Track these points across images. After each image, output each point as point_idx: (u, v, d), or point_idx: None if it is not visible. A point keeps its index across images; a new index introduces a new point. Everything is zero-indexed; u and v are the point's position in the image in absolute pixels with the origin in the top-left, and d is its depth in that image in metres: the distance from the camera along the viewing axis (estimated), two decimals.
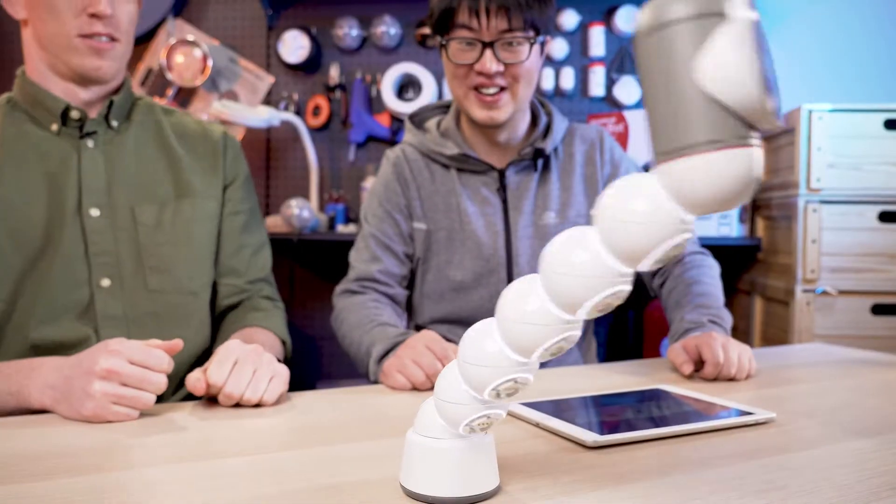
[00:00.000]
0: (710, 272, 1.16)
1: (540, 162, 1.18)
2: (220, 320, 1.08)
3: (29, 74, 0.97)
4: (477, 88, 1.09)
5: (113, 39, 0.95)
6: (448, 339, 1.21)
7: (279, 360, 0.85)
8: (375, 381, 0.98)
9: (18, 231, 0.90)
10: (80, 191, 0.94)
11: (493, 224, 1.17)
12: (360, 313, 1.09)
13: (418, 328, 1.24)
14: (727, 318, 1.06)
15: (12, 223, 0.90)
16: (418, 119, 1.26)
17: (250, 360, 0.80)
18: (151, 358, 0.73)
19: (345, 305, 1.14)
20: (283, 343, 1.04)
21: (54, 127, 0.95)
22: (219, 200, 1.06)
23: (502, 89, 1.09)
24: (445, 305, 1.19)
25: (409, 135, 1.24)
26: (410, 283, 1.22)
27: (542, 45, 1.12)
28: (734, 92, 0.34)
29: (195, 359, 1.02)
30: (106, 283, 0.94)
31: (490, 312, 1.18)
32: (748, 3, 0.35)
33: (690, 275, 1.13)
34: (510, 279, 1.16)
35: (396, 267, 1.18)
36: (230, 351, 0.80)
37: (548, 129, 1.19)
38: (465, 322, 1.17)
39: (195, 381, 0.77)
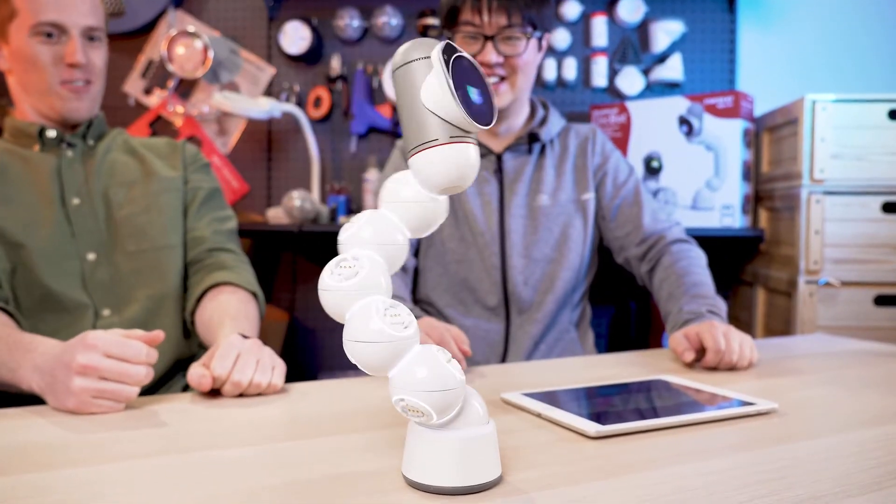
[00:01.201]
0: (699, 262, 1.20)
1: (536, 147, 1.30)
2: (190, 268, 1.15)
3: (15, 115, 1.13)
4: None
5: (88, 82, 1.10)
6: (447, 312, 1.29)
7: (258, 345, 0.87)
8: None
9: (17, 214, 1.03)
10: (62, 186, 1.08)
11: (488, 202, 1.28)
12: None
13: (420, 301, 1.35)
14: (723, 307, 1.09)
15: (11, 209, 1.02)
16: None
17: (253, 352, 0.81)
18: (129, 350, 0.74)
19: None
20: (255, 296, 1.10)
21: (35, 148, 1.10)
22: (182, 178, 1.18)
23: (502, 79, 1.21)
24: (447, 276, 1.30)
25: None
26: (416, 253, 1.33)
27: (540, 40, 1.23)
28: (441, 108, 0.49)
29: (175, 308, 1.10)
30: (91, 256, 1.06)
31: (485, 283, 1.27)
32: (441, 49, 0.50)
33: (681, 266, 1.18)
34: (503, 253, 1.27)
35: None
36: (231, 346, 0.81)
37: (544, 121, 1.32)
38: (464, 292, 1.29)
39: (199, 377, 0.77)
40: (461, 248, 1.28)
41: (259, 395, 0.81)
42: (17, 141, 1.11)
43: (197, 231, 1.16)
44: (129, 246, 1.08)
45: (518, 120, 1.31)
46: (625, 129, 2.04)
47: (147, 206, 1.11)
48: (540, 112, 1.33)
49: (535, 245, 1.28)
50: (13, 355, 0.80)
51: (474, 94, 0.51)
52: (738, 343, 0.94)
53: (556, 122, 1.33)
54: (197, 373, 0.78)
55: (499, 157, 1.30)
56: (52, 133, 1.09)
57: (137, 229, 1.09)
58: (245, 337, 0.86)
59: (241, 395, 0.80)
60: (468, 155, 0.51)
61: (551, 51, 2.26)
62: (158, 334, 0.78)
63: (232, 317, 0.98)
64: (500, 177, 1.29)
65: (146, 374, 0.75)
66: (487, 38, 1.17)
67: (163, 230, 1.12)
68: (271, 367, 0.82)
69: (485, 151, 1.29)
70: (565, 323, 1.32)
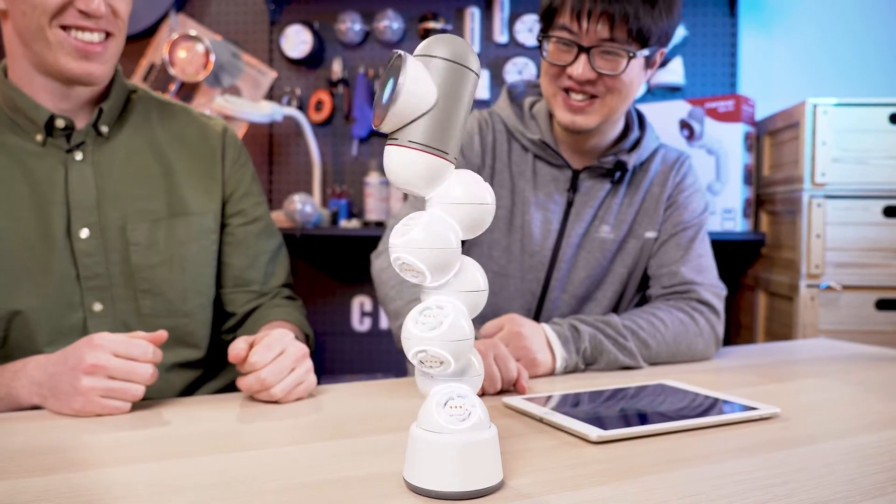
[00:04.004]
0: (683, 326, 1.03)
1: (617, 175, 1.13)
2: (238, 325, 1.05)
3: (10, 75, 0.90)
4: (567, 91, 1.05)
5: (107, 35, 0.88)
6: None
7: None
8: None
9: (9, 255, 0.87)
10: (69, 210, 0.89)
11: (549, 221, 1.13)
12: (398, 277, 1.04)
13: None
14: (589, 340, 0.95)
15: (1, 248, 0.87)
16: (517, 91, 1.20)
17: (293, 358, 0.79)
18: (136, 349, 0.73)
19: (381, 265, 1.10)
20: (307, 337, 1.03)
21: (39, 138, 0.89)
22: (217, 214, 1.01)
23: (592, 97, 1.04)
24: None
25: (502, 103, 1.19)
26: None
27: (648, 57, 1.05)
28: None
29: (195, 377, 1.00)
30: (98, 307, 0.91)
31: (516, 305, 1.16)
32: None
33: (644, 309, 1.06)
34: (547, 282, 1.14)
35: None
36: (280, 340, 0.79)
37: (636, 144, 1.14)
38: (490, 307, 1.11)
39: (238, 350, 0.77)
40: (504, 258, 1.14)
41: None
42: (15, 117, 0.89)
43: (250, 285, 1.04)
44: (142, 305, 0.93)
45: (607, 138, 1.13)
46: None
47: (169, 257, 0.94)
48: (634, 133, 1.14)
49: (581, 282, 1.14)
50: (2, 381, 0.77)
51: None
52: (490, 358, 0.83)
53: (648, 146, 1.15)
54: (238, 346, 0.77)
55: (575, 175, 1.13)
56: (61, 122, 0.89)
57: (153, 286, 0.94)
58: (297, 338, 0.83)
59: (250, 398, 0.80)
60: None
61: None
62: (162, 334, 0.78)
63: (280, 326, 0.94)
64: (571, 197, 1.13)
65: (153, 374, 0.75)
66: (582, 49, 1.00)
67: (184, 292, 0.96)
68: (297, 383, 0.79)
69: (561, 164, 1.13)
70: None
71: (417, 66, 0.49)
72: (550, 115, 1.14)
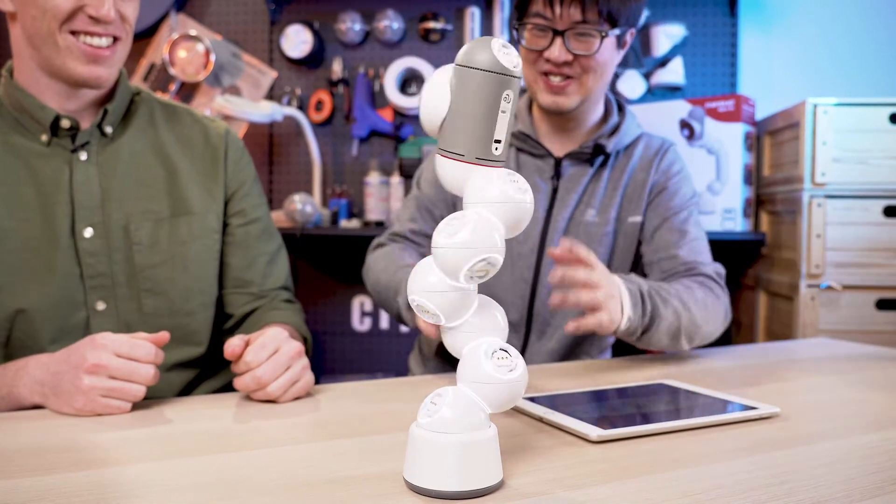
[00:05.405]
0: (708, 299, 1.05)
1: (599, 159, 1.17)
2: (237, 327, 1.05)
3: (16, 76, 0.91)
4: (546, 74, 1.10)
5: (115, 40, 0.89)
6: None
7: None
8: (402, 321, 1.04)
9: (14, 254, 0.87)
10: (73, 209, 0.90)
11: (535, 210, 1.14)
12: (387, 259, 1.13)
13: None
14: (647, 300, 0.95)
15: (6, 247, 0.87)
16: None
17: (288, 356, 0.79)
18: (138, 350, 0.73)
19: (374, 256, 1.18)
20: (305, 340, 1.02)
21: (44, 138, 0.90)
22: (219, 214, 1.01)
23: (568, 78, 1.10)
24: None
25: None
26: None
27: (619, 37, 1.11)
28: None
29: (195, 376, 1.00)
30: (101, 306, 0.92)
31: (510, 294, 1.18)
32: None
33: (683, 284, 1.06)
34: (538, 268, 1.16)
35: (433, 230, 1.17)
36: (275, 339, 0.79)
37: (616, 129, 1.18)
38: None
39: (234, 346, 0.77)
40: None
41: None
42: (20, 117, 0.90)
43: (249, 287, 1.04)
44: (145, 305, 0.93)
45: (587, 122, 1.18)
46: None
47: (171, 256, 0.95)
48: (613, 118, 1.19)
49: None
50: (4, 380, 0.78)
51: None
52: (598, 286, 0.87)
53: (629, 133, 1.19)
54: (234, 342, 0.77)
55: (557, 163, 1.17)
56: (66, 123, 0.89)
57: (155, 285, 0.94)
58: (293, 337, 0.83)
59: (247, 397, 0.80)
60: None
61: None
62: (164, 335, 0.78)
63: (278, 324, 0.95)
64: (555, 184, 1.17)
65: (154, 375, 0.75)
66: (557, 32, 1.05)
67: (186, 291, 0.97)
68: (293, 381, 0.79)
69: (543, 153, 1.17)
70: (583, 355, 1.20)
71: (435, 78, 0.53)
72: (530, 109, 1.20)
